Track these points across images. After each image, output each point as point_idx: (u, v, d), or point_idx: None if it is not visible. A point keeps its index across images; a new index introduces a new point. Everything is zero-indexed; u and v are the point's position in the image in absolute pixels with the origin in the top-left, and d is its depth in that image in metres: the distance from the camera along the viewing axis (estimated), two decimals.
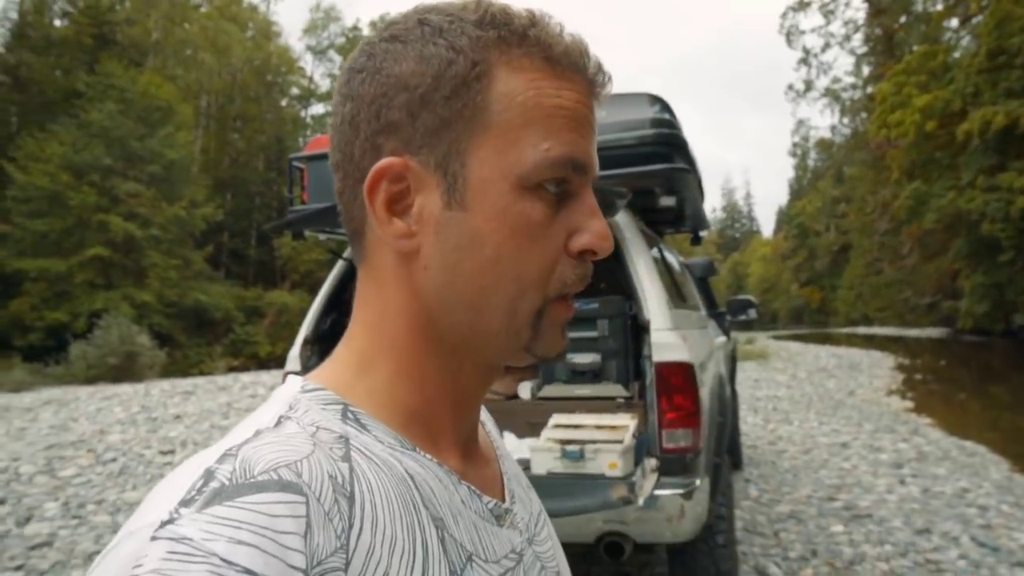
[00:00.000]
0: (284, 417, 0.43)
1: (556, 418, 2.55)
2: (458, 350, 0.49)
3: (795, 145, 62.06)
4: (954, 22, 26.18)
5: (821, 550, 3.96)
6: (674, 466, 2.35)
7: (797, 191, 65.83)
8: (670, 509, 2.26)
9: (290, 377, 0.49)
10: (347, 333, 0.52)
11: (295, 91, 42.60)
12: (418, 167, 0.47)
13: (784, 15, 45.23)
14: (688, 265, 5.16)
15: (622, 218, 2.68)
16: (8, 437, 7.27)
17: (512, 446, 2.54)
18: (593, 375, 2.77)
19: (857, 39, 40.56)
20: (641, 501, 2.16)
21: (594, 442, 2.25)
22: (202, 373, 19.23)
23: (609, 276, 3.03)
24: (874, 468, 5.98)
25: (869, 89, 37.43)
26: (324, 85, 42.52)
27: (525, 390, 2.88)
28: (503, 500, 0.54)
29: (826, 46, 45.24)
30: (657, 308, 2.45)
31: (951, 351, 21.84)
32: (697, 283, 5.24)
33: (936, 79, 20.24)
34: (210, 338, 25.85)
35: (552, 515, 1.72)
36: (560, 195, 0.47)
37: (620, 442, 2.24)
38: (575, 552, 2.38)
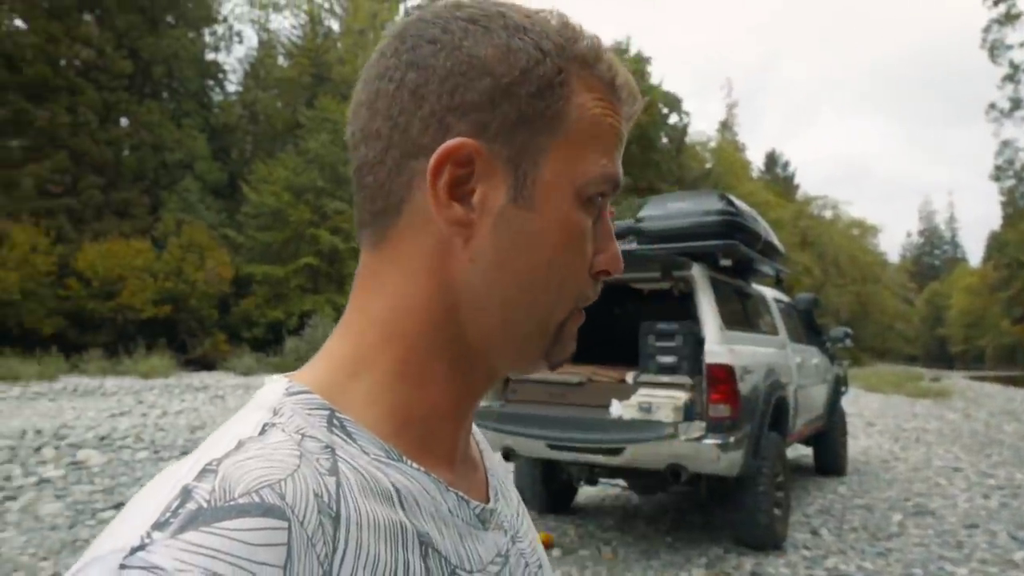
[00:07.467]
0: (269, 424, 0.41)
1: (641, 391, 4.10)
2: (473, 353, 0.48)
3: (998, 168, 55.89)
4: None
5: (871, 526, 4.99)
6: (718, 427, 3.71)
7: (1011, 215, 59.14)
8: (710, 453, 3.67)
9: (273, 377, 0.47)
10: (343, 324, 0.49)
11: None
12: (489, 156, 0.46)
13: (987, 29, 41.43)
14: (792, 301, 6.49)
15: None
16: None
17: (615, 409, 4.01)
18: (671, 370, 4.16)
19: None
20: (683, 439, 3.58)
21: (659, 403, 3.73)
22: None
23: (678, 310, 4.42)
24: (969, 487, 6.65)
25: None
26: None
27: (630, 377, 4.32)
28: (487, 500, 0.53)
29: None
30: (711, 330, 3.85)
31: None
32: (801, 315, 6.44)
33: None
34: None
35: (630, 442, 3.84)
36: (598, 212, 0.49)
37: (675, 406, 3.70)
38: (653, 477, 3.85)
